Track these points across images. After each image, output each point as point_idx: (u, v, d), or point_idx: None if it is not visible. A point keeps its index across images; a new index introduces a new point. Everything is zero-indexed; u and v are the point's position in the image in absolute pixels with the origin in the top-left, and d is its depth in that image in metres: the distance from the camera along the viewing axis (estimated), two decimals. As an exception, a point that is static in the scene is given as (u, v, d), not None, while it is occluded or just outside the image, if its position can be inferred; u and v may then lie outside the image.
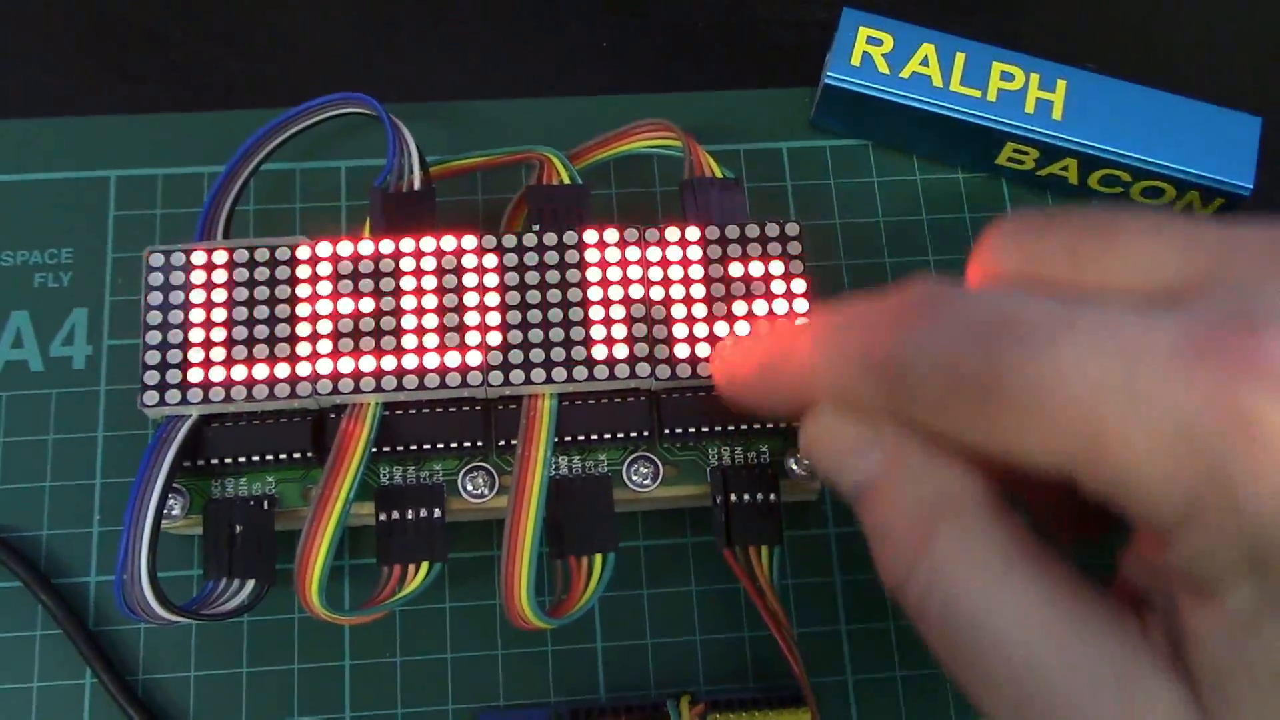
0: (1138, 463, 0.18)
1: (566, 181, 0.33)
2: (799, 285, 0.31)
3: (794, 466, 0.31)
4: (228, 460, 0.30)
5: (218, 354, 0.30)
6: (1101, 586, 0.21)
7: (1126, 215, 0.22)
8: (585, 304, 0.30)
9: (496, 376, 0.29)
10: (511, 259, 0.31)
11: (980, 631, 0.21)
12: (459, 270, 0.30)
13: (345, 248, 0.30)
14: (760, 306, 0.30)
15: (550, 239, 0.31)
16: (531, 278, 0.30)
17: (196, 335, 0.30)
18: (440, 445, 0.30)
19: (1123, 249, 0.21)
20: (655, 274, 0.31)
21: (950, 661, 0.22)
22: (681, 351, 0.30)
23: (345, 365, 0.29)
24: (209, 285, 0.30)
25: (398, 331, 0.30)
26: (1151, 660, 0.20)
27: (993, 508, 0.22)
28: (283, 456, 0.30)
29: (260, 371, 0.29)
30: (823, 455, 0.24)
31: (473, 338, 0.30)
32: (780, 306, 0.30)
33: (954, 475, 0.22)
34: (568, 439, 0.30)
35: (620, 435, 0.30)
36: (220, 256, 0.30)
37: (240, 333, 0.30)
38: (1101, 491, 0.19)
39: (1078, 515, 0.24)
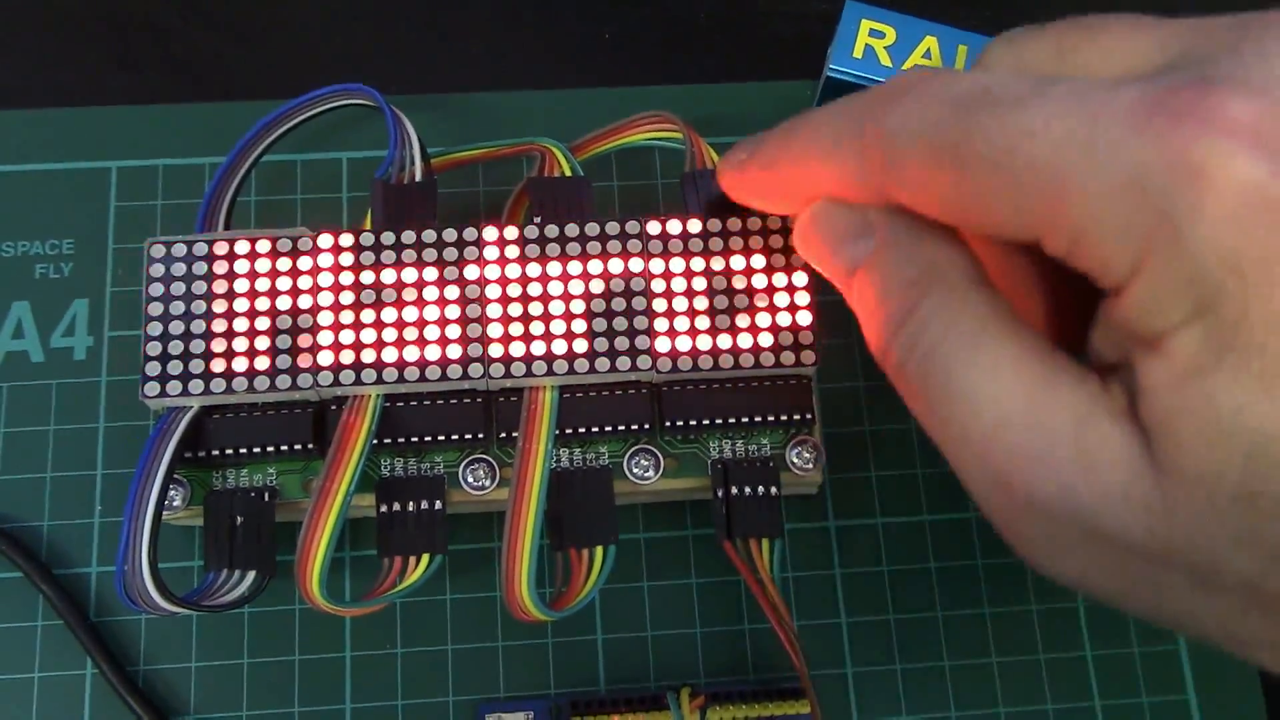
0: (1095, 211, 0.19)
1: (568, 173, 0.33)
2: (800, 277, 0.30)
3: (794, 460, 0.31)
4: (229, 451, 0.30)
5: (219, 345, 0.30)
6: (1070, 355, 0.22)
7: (1111, 16, 0.23)
8: (586, 296, 0.30)
9: (497, 369, 0.29)
10: (513, 251, 0.30)
11: (953, 385, 0.22)
12: (460, 262, 0.30)
13: (347, 239, 0.30)
14: (761, 299, 0.30)
15: (551, 231, 0.31)
16: (533, 270, 0.30)
17: (197, 326, 0.30)
18: (441, 437, 0.30)
19: (1103, 42, 0.22)
20: (656, 266, 0.31)
21: (925, 418, 0.23)
22: (683, 344, 0.30)
23: (346, 357, 0.29)
24: (210, 276, 0.30)
25: (399, 323, 0.30)
26: (1109, 411, 0.20)
27: (974, 279, 0.23)
28: (284, 448, 0.30)
29: (261, 363, 0.29)
30: (821, 240, 0.25)
31: (474, 330, 0.30)
32: (781, 299, 0.30)
33: (940, 250, 0.23)
34: (568, 431, 0.30)
35: (621, 428, 0.30)
36: (221, 248, 0.30)
37: (241, 324, 0.30)
38: (1063, 250, 0.20)
39: (1048, 303, 0.26)
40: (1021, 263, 0.25)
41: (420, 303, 0.30)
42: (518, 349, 0.30)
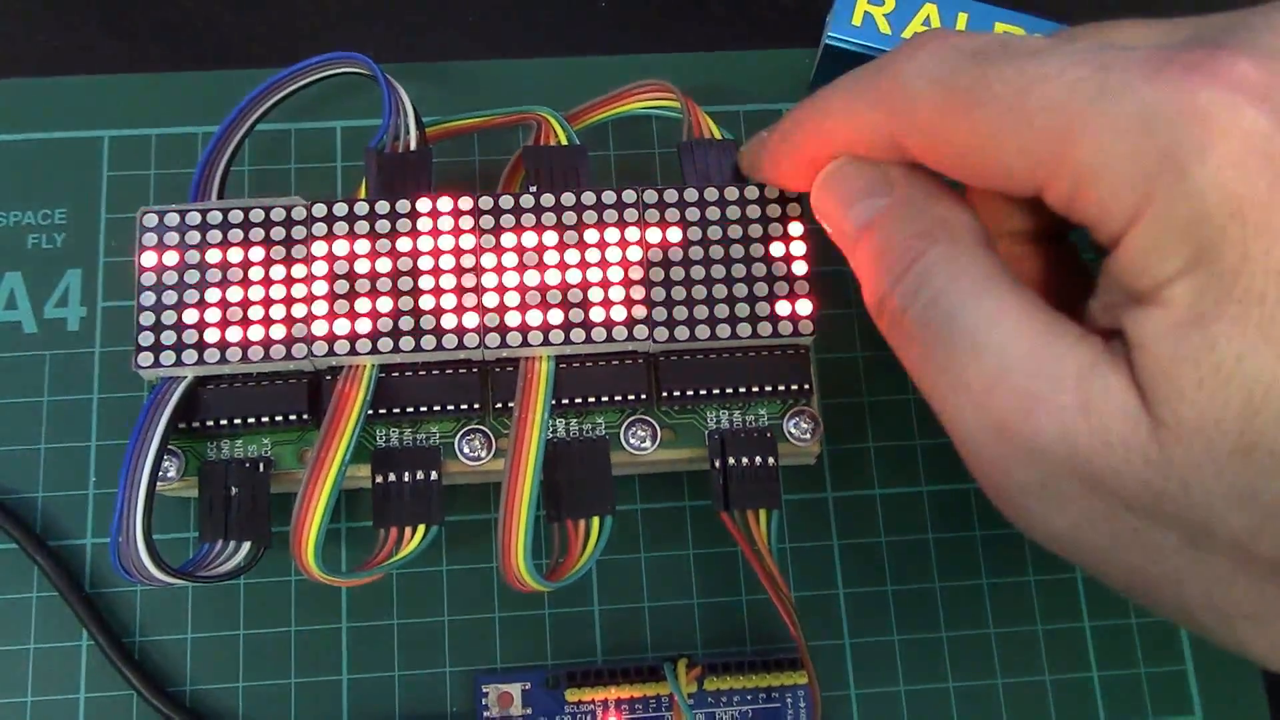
0: (1102, 148, 0.20)
1: (564, 142, 0.32)
2: (798, 247, 0.30)
3: (792, 430, 0.31)
4: (223, 422, 0.29)
5: (212, 315, 0.29)
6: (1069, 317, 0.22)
7: (1123, 20, 0.24)
8: (583, 266, 0.30)
9: (493, 339, 0.29)
10: (509, 220, 0.30)
11: (956, 331, 0.22)
12: (455, 231, 0.30)
13: (341, 208, 0.30)
14: (759, 269, 0.30)
15: (548, 200, 0.30)
16: (529, 240, 0.30)
17: (191, 296, 0.29)
18: (437, 407, 0.30)
19: (1117, 35, 0.23)
20: (653, 236, 0.30)
21: (921, 366, 0.23)
22: (680, 314, 0.30)
23: (341, 327, 0.29)
24: (203, 246, 0.30)
25: (394, 293, 0.30)
26: (1110, 363, 0.20)
27: (981, 239, 0.24)
28: (278, 418, 0.29)
29: (255, 333, 0.29)
30: (837, 196, 0.26)
31: (469, 300, 0.30)
32: (779, 269, 0.30)
33: (951, 206, 0.24)
34: (565, 401, 0.30)
35: (618, 398, 0.30)
36: (215, 217, 0.30)
37: (235, 294, 0.30)
38: (1065, 198, 0.21)
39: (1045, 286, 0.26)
40: (1023, 249, 0.26)
41: (415, 273, 0.30)
42: (513, 319, 0.29)
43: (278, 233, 0.30)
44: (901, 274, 0.23)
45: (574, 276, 0.30)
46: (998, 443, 0.21)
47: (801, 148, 0.27)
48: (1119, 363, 0.20)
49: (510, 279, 0.30)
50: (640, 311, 0.30)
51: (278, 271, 0.30)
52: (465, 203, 0.30)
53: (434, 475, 0.30)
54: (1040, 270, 0.26)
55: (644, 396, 0.30)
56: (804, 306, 0.30)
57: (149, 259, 0.30)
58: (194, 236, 0.30)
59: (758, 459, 0.30)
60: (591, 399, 0.30)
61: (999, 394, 0.21)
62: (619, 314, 0.30)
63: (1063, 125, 0.20)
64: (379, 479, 0.30)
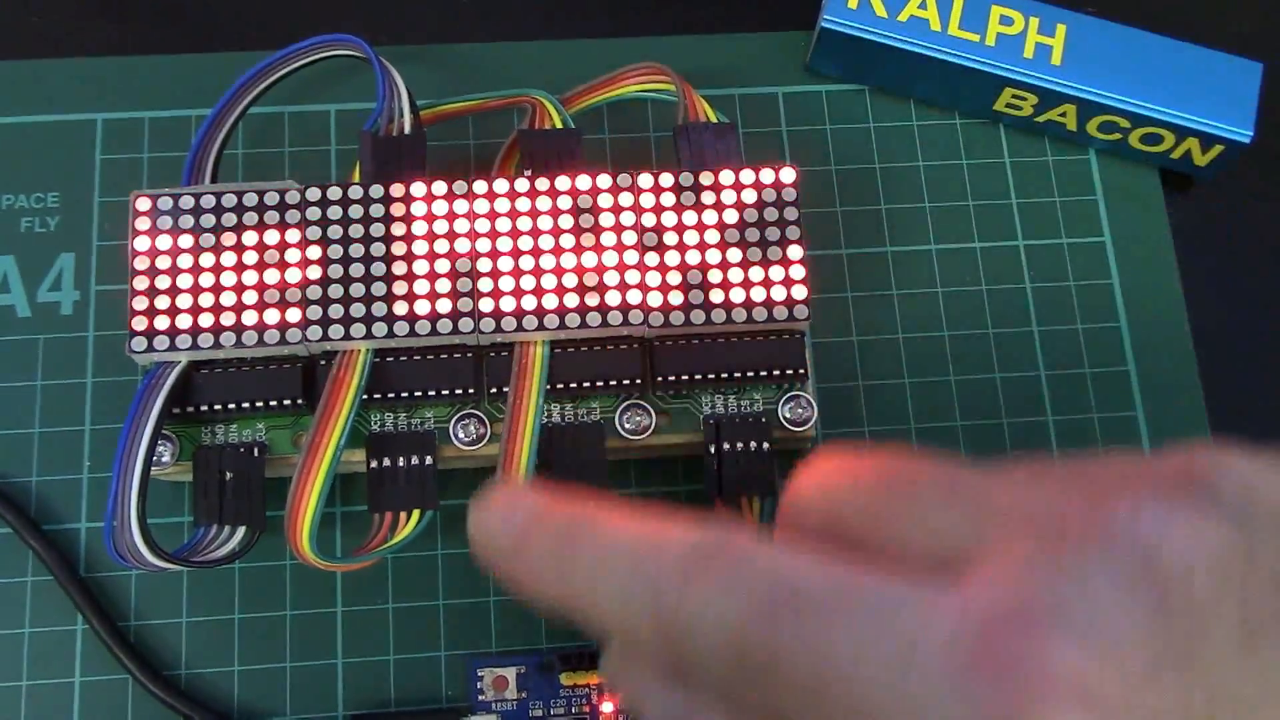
0: None
1: (559, 125, 0.32)
2: (793, 231, 0.30)
3: (787, 415, 0.31)
4: (217, 407, 0.29)
5: (206, 299, 0.29)
6: None
7: (926, 472, 0.21)
8: (577, 250, 0.30)
9: (488, 323, 0.29)
10: (503, 204, 0.30)
11: None
12: (449, 215, 0.30)
13: (335, 192, 0.30)
14: (754, 253, 0.30)
15: (542, 184, 0.30)
16: (523, 224, 0.30)
17: (184, 281, 0.29)
18: (431, 392, 0.30)
19: (916, 513, 0.20)
20: (648, 220, 0.30)
21: None
22: (675, 298, 0.30)
23: (335, 311, 0.29)
24: (197, 230, 0.30)
25: (388, 278, 0.29)
26: None
27: None
28: (273, 403, 0.29)
29: (249, 318, 0.29)
30: (624, 687, 0.23)
31: (463, 284, 0.29)
32: (775, 253, 0.30)
33: None
34: (560, 386, 0.30)
35: (612, 383, 0.30)
36: (208, 201, 0.30)
37: (229, 278, 0.29)
38: None
39: None
40: None
41: (409, 256, 0.30)
42: (508, 304, 0.29)
43: (271, 216, 0.30)
44: None
45: (568, 261, 0.30)
46: None
47: (552, 606, 0.23)
48: None
49: (505, 263, 0.30)
50: (635, 296, 0.30)
51: (271, 256, 0.30)
52: (459, 186, 0.30)
53: (429, 460, 0.30)
54: None
55: (639, 381, 0.30)
56: (799, 291, 0.30)
57: (142, 243, 0.30)
58: (187, 220, 0.30)
59: (753, 444, 0.30)
60: (586, 384, 0.30)
61: None
62: (614, 298, 0.30)
63: None
64: (374, 464, 0.30)
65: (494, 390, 0.30)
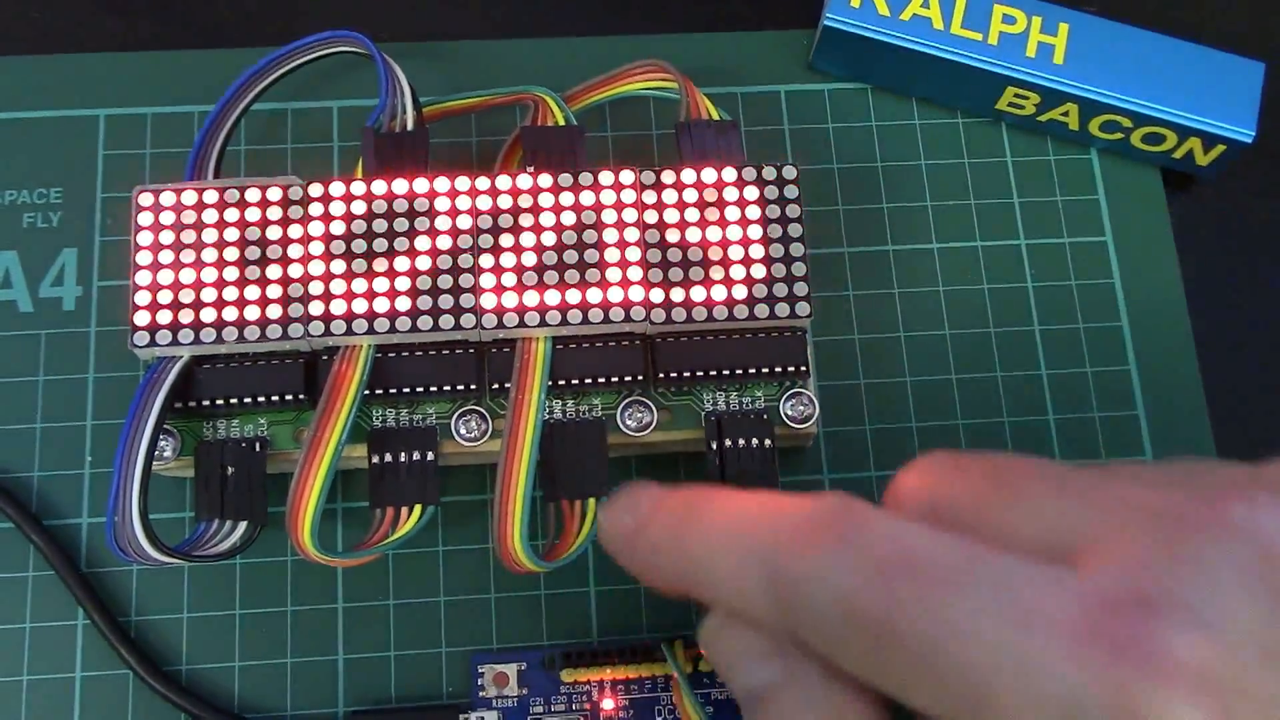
0: None
1: (561, 123, 0.32)
2: (795, 229, 0.30)
3: (789, 413, 0.31)
4: (219, 402, 0.29)
5: (208, 295, 0.29)
6: None
7: (1033, 469, 0.21)
8: (580, 247, 0.30)
9: (490, 319, 0.29)
10: (506, 201, 0.30)
11: None
12: (452, 212, 0.30)
13: (337, 188, 0.30)
14: (756, 250, 0.30)
15: (545, 181, 0.30)
16: (525, 220, 0.30)
17: (187, 276, 0.29)
18: (433, 388, 0.30)
19: (1025, 506, 0.21)
20: (650, 217, 0.30)
21: None
22: (677, 295, 0.30)
23: (337, 307, 0.29)
24: (199, 225, 0.30)
25: (390, 274, 0.30)
26: None
27: None
28: (275, 398, 0.29)
29: (252, 313, 0.29)
30: (720, 653, 0.23)
31: (466, 280, 0.30)
32: (777, 250, 0.30)
33: (849, 702, 0.21)
34: (562, 382, 0.30)
35: (614, 379, 0.30)
36: (211, 196, 0.30)
37: (231, 273, 0.30)
38: None
39: None
40: None
41: (412, 252, 0.30)
42: (510, 300, 0.29)
43: (274, 212, 0.30)
44: None
45: (570, 257, 0.30)
46: None
47: (670, 582, 0.24)
48: None
49: (507, 259, 0.30)
50: (637, 293, 0.30)
51: (274, 251, 0.30)
52: (462, 183, 0.30)
53: (430, 456, 0.30)
54: None
55: (640, 378, 0.30)
56: (801, 288, 0.30)
57: (145, 238, 0.30)
58: (190, 216, 0.30)
59: (754, 441, 0.30)
60: (588, 380, 0.30)
61: None
62: (616, 295, 0.30)
63: (981, 693, 0.18)
64: (375, 459, 0.30)
65: (495, 386, 0.30)
